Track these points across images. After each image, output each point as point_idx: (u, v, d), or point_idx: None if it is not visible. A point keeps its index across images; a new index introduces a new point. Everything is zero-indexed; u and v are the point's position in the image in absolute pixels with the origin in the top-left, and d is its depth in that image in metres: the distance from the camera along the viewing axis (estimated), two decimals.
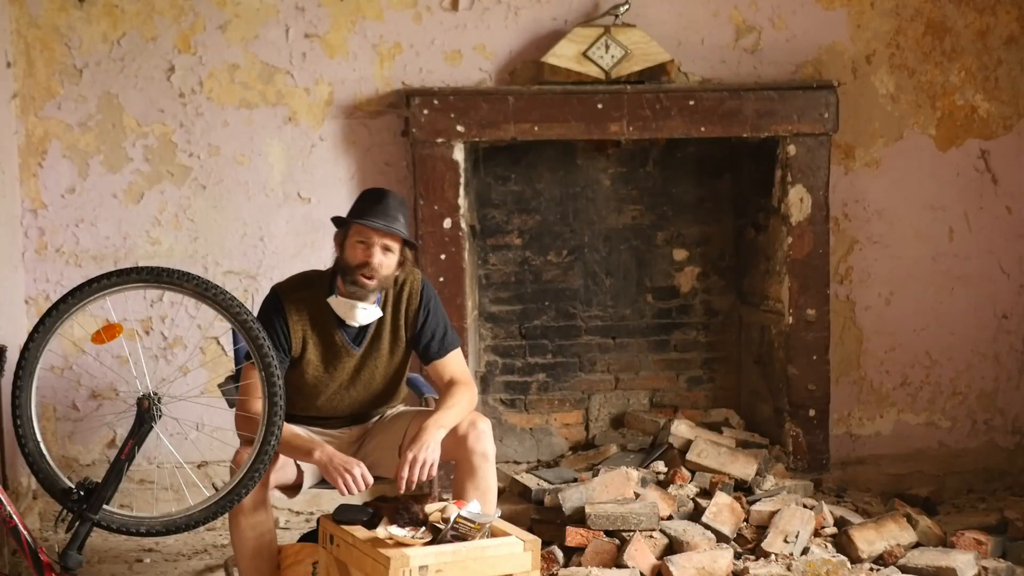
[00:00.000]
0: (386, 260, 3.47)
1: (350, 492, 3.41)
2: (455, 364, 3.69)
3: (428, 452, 3.38)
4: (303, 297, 3.56)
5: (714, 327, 5.25)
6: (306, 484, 3.65)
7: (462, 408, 3.54)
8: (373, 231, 3.45)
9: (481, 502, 3.39)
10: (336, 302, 3.52)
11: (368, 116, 4.73)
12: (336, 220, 3.56)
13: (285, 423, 3.44)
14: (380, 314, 3.57)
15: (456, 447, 3.51)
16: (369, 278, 3.46)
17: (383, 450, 3.67)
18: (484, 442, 3.50)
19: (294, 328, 3.53)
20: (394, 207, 3.50)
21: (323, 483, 3.75)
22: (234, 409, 3.72)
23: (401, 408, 3.85)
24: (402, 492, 3.40)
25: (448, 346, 3.67)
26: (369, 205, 3.49)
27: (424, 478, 3.39)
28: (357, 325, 3.56)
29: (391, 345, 3.64)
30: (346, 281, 3.48)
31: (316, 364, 3.58)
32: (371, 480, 3.45)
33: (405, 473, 3.35)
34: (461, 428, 3.51)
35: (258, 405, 3.39)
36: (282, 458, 3.49)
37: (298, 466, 3.60)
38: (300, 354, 3.56)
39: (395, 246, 3.48)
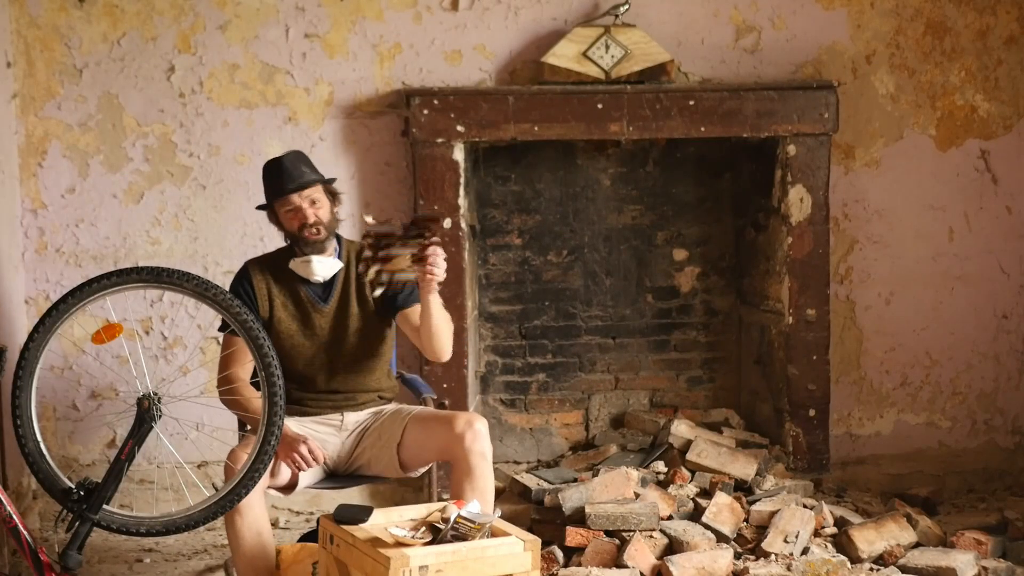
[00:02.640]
0: (319, 211, 3.65)
1: (300, 469, 3.53)
2: None
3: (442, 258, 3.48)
4: (268, 259, 3.78)
5: (714, 327, 5.24)
6: (302, 483, 3.65)
7: (448, 318, 3.68)
8: (290, 196, 3.61)
9: (479, 502, 3.40)
10: (296, 264, 3.69)
11: (368, 116, 4.73)
12: (261, 207, 3.75)
13: (251, 389, 3.57)
14: (339, 264, 3.71)
15: (453, 446, 3.52)
16: (316, 232, 3.63)
17: (380, 448, 3.69)
18: (481, 442, 3.52)
19: (259, 287, 3.69)
20: (294, 164, 3.66)
21: (320, 482, 3.76)
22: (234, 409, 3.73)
23: (397, 406, 3.86)
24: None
25: (416, 296, 3.75)
26: (273, 180, 3.67)
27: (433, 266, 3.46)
28: (320, 279, 3.68)
29: (359, 304, 3.72)
30: (301, 246, 3.66)
31: (288, 323, 3.68)
32: (320, 456, 3.55)
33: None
34: (458, 427, 3.52)
35: (240, 373, 3.57)
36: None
37: None
38: (270, 314, 3.68)
39: (318, 194, 3.66)
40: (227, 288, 3.71)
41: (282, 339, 3.67)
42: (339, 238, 3.78)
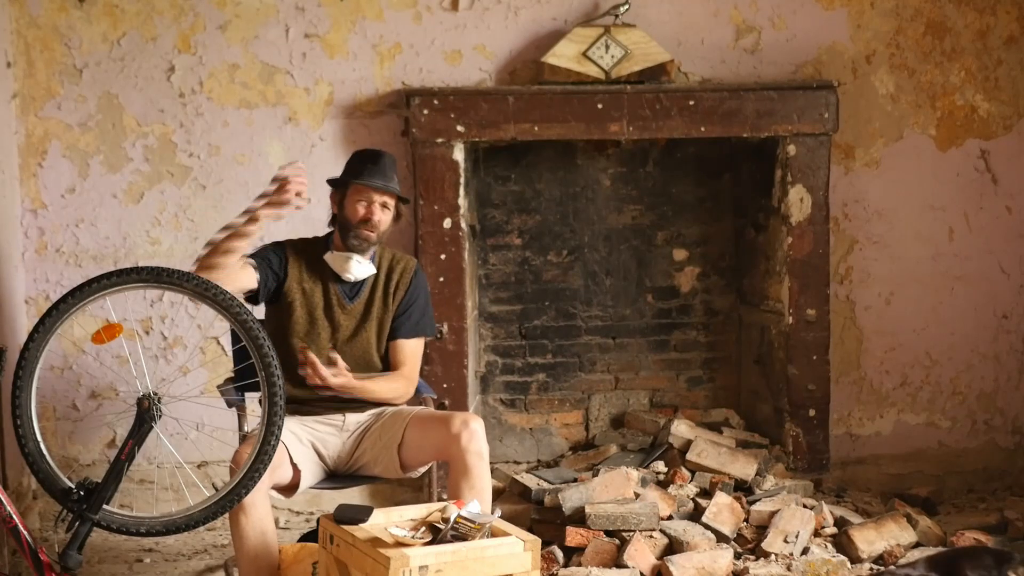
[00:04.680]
0: (384, 216, 3.71)
1: (299, 195, 3.50)
2: (412, 352, 3.80)
3: (329, 376, 3.51)
4: (304, 245, 3.79)
5: (714, 327, 5.24)
6: (304, 484, 3.65)
7: (385, 387, 3.70)
8: (372, 190, 3.68)
9: (477, 501, 3.39)
10: (332, 257, 3.72)
11: (368, 116, 4.73)
12: (333, 181, 3.77)
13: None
14: (374, 270, 3.75)
15: (450, 446, 3.52)
16: (369, 234, 3.69)
17: (380, 448, 3.70)
18: (478, 441, 3.52)
19: (292, 267, 3.71)
20: (389, 166, 3.73)
21: (321, 483, 3.76)
22: (233, 408, 3.73)
23: (398, 407, 3.85)
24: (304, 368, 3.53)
25: (418, 331, 3.80)
26: (366, 165, 3.72)
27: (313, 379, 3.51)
28: (352, 279, 3.72)
29: (380, 312, 3.77)
30: (347, 237, 3.70)
31: (312, 309, 3.71)
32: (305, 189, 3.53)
33: (315, 366, 3.49)
34: (454, 427, 3.53)
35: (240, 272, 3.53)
36: (277, 458, 3.50)
37: (295, 466, 3.60)
38: (293, 299, 3.70)
39: (391, 203, 3.73)
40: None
41: (298, 327, 3.70)
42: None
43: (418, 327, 3.80)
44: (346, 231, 3.70)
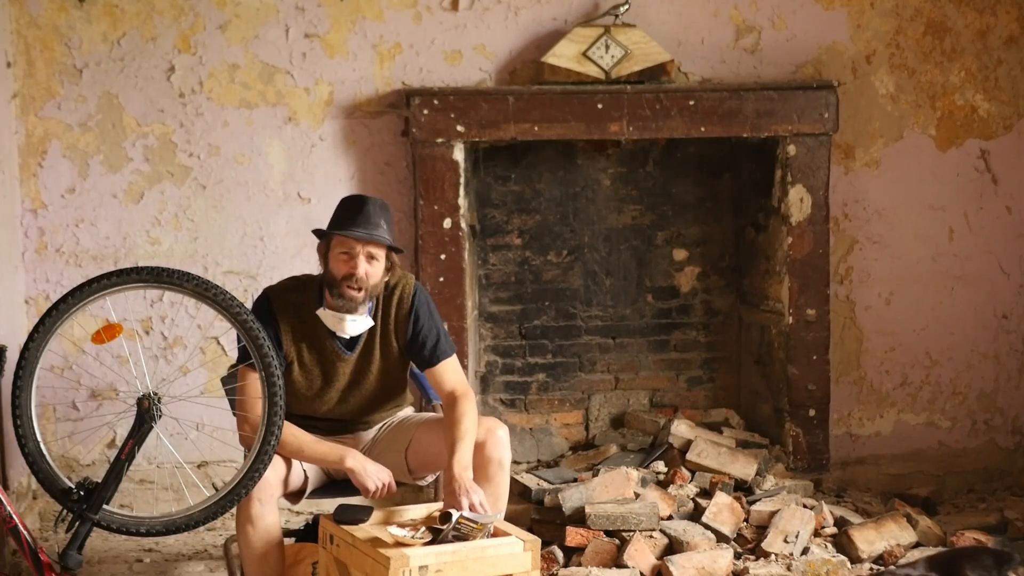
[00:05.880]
0: (372, 269, 3.41)
1: (375, 496, 3.44)
2: (451, 373, 3.59)
3: (475, 491, 3.29)
4: (294, 302, 3.51)
5: (714, 327, 5.24)
6: (309, 487, 3.63)
7: (474, 430, 3.44)
8: (355, 241, 3.37)
9: (493, 509, 3.36)
10: (325, 315, 3.46)
11: (368, 116, 4.73)
12: (317, 232, 3.49)
13: (306, 432, 3.46)
14: (371, 323, 3.50)
15: (474, 453, 3.43)
16: (357, 290, 3.40)
17: (390, 453, 3.65)
18: (501, 450, 3.45)
19: (285, 334, 3.49)
20: (375, 213, 3.41)
21: (327, 489, 3.72)
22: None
23: (407, 412, 3.81)
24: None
25: (440, 355, 3.57)
26: (349, 214, 3.41)
27: (487, 510, 3.29)
28: (348, 336, 3.50)
29: (383, 350, 3.57)
30: (333, 294, 3.43)
31: (311, 368, 3.55)
32: (395, 490, 3.46)
33: (476, 515, 3.24)
34: (479, 436, 3.44)
35: (258, 407, 3.36)
36: (293, 464, 3.48)
37: (304, 471, 3.58)
38: (294, 359, 3.52)
39: (380, 253, 3.42)
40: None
41: (303, 383, 3.55)
42: None
43: (437, 350, 3.55)
44: (331, 287, 3.42)
